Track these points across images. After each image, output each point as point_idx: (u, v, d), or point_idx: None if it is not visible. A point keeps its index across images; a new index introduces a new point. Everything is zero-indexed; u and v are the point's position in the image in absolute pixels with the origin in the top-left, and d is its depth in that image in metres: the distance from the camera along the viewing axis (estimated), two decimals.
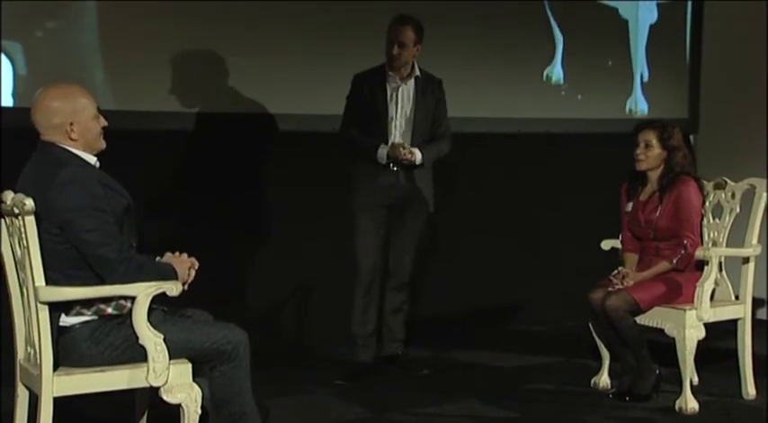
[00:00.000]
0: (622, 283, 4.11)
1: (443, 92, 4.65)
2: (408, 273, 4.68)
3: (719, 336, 4.34)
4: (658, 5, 6.27)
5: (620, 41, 6.17)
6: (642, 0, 6.21)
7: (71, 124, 3.00)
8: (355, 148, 4.54)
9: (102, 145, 3.09)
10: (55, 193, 2.90)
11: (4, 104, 4.38)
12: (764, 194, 4.15)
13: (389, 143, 4.48)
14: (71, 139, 3.01)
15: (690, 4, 6.37)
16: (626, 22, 6.18)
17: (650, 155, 4.22)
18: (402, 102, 4.54)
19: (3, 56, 4.39)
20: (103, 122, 3.09)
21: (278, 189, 5.05)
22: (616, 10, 6.14)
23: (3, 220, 3.04)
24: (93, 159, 3.06)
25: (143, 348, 2.95)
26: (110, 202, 2.96)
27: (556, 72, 5.99)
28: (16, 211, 2.86)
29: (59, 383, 2.92)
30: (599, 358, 4.40)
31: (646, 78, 6.25)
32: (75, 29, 4.55)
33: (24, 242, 2.87)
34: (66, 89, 3.10)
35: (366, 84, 4.53)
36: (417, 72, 4.58)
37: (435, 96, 4.62)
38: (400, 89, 4.54)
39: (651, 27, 6.25)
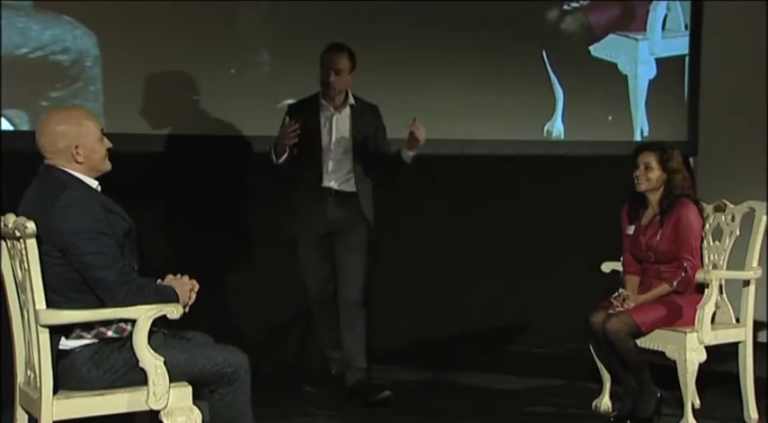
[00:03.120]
0: (623, 306, 4.10)
1: (381, 118, 4.63)
2: (360, 301, 4.56)
3: (721, 359, 4.34)
4: (657, 61, 6.33)
5: (619, 96, 6.22)
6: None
7: (76, 147, 3.01)
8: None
9: (108, 167, 3.10)
10: (56, 216, 2.90)
11: (3, 128, 4.41)
12: (764, 217, 4.15)
13: (324, 171, 4.48)
14: (77, 162, 3.02)
15: (690, 10, 6.41)
16: (625, 76, 6.24)
17: (650, 177, 4.23)
18: (337, 131, 4.51)
19: (6, 123, 4.43)
20: (108, 144, 3.11)
21: (280, 211, 5.05)
22: (615, 65, 6.19)
23: (5, 242, 3.04)
24: (94, 183, 3.07)
25: (143, 371, 2.94)
26: (111, 225, 2.97)
27: (556, 127, 6.03)
28: (18, 234, 2.86)
29: (59, 407, 2.90)
30: (600, 381, 4.39)
31: (646, 133, 6.27)
32: (80, 97, 4.60)
33: (25, 265, 2.87)
34: (69, 112, 3.15)
35: (299, 113, 4.47)
36: (352, 100, 4.54)
37: (374, 124, 4.60)
38: (334, 118, 4.52)
39: (650, 81, 6.31)
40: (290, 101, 4.81)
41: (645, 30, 6.29)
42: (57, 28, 4.53)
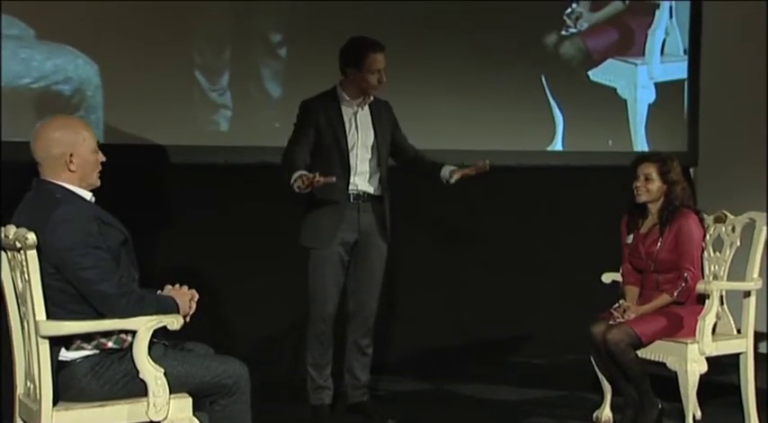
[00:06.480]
0: (623, 317, 4.10)
1: (393, 114, 4.44)
2: (374, 313, 4.38)
3: (722, 370, 4.33)
4: (656, 85, 6.34)
5: (619, 121, 6.23)
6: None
7: (71, 155, 2.98)
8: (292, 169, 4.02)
9: (98, 183, 3.07)
10: (49, 232, 2.87)
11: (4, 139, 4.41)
12: (765, 228, 4.15)
13: (353, 173, 4.22)
14: (69, 171, 2.99)
15: (689, 35, 6.43)
16: (624, 101, 6.25)
17: (650, 188, 4.23)
18: (362, 128, 4.28)
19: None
20: (102, 158, 3.08)
21: (280, 220, 5.04)
22: (614, 89, 6.20)
23: (5, 253, 3.02)
24: (88, 195, 3.04)
25: (143, 383, 2.93)
26: (105, 238, 2.95)
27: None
28: (18, 245, 2.85)
29: (59, 419, 2.89)
30: (601, 392, 4.38)
31: None
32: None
33: (26, 276, 2.86)
34: (67, 121, 3.14)
35: (321, 110, 4.21)
36: (371, 97, 4.31)
37: (391, 119, 4.42)
38: (358, 115, 4.29)
39: (650, 106, 6.32)
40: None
41: (644, 54, 6.30)
42: (59, 58, 4.56)
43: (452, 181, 4.33)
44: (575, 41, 6.07)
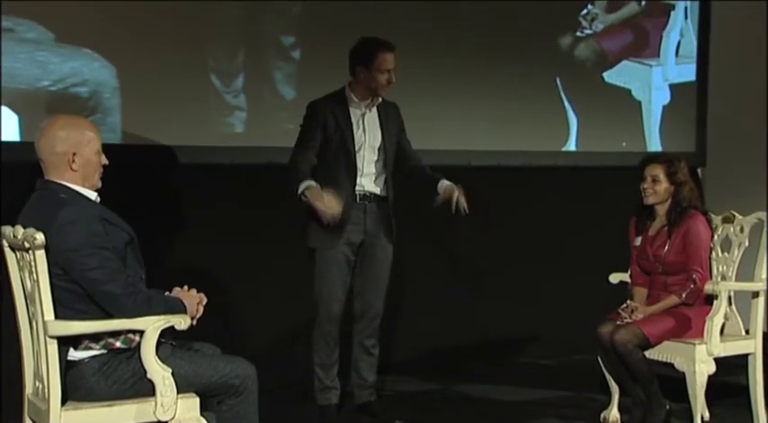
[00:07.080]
0: (631, 317, 4.10)
1: (401, 116, 4.44)
2: (381, 314, 4.39)
3: (730, 370, 4.32)
4: (671, 87, 6.33)
5: (633, 122, 6.23)
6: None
7: (74, 154, 3.00)
8: (298, 176, 4.08)
9: (98, 184, 3.08)
10: (54, 234, 2.89)
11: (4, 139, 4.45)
12: None
13: (359, 174, 4.24)
14: (71, 170, 3.01)
15: (698, 36, 6.42)
16: (639, 102, 6.25)
17: (658, 189, 4.23)
18: (369, 130, 4.28)
19: None
20: (104, 161, 3.10)
21: (288, 221, 5.08)
22: (629, 91, 6.20)
23: (14, 253, 3.05)
24: (93, 195, 3.07)
25: (151, 382, 2.96)
26: (111, 238, 2.97)
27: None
28: (27, 245, 2.88)
29: (67, 418, 2.92)
30: (608, 392, 4.38)
31: None
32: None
33: (34, 276, 2.89)
34: (74, 120, 3.14)
35: (329, 111, 4.22)
36: (380, 98, 4.31)
37: (398, 121, 4.42)
38: (366, 117, 4.29)
39: (664, 107, 6.31)
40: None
41: (658, 56, 6.30)
42: (76, 60, 4.60)
43: (436, 203, 4.31)
44: (590, 43, 6.08)
